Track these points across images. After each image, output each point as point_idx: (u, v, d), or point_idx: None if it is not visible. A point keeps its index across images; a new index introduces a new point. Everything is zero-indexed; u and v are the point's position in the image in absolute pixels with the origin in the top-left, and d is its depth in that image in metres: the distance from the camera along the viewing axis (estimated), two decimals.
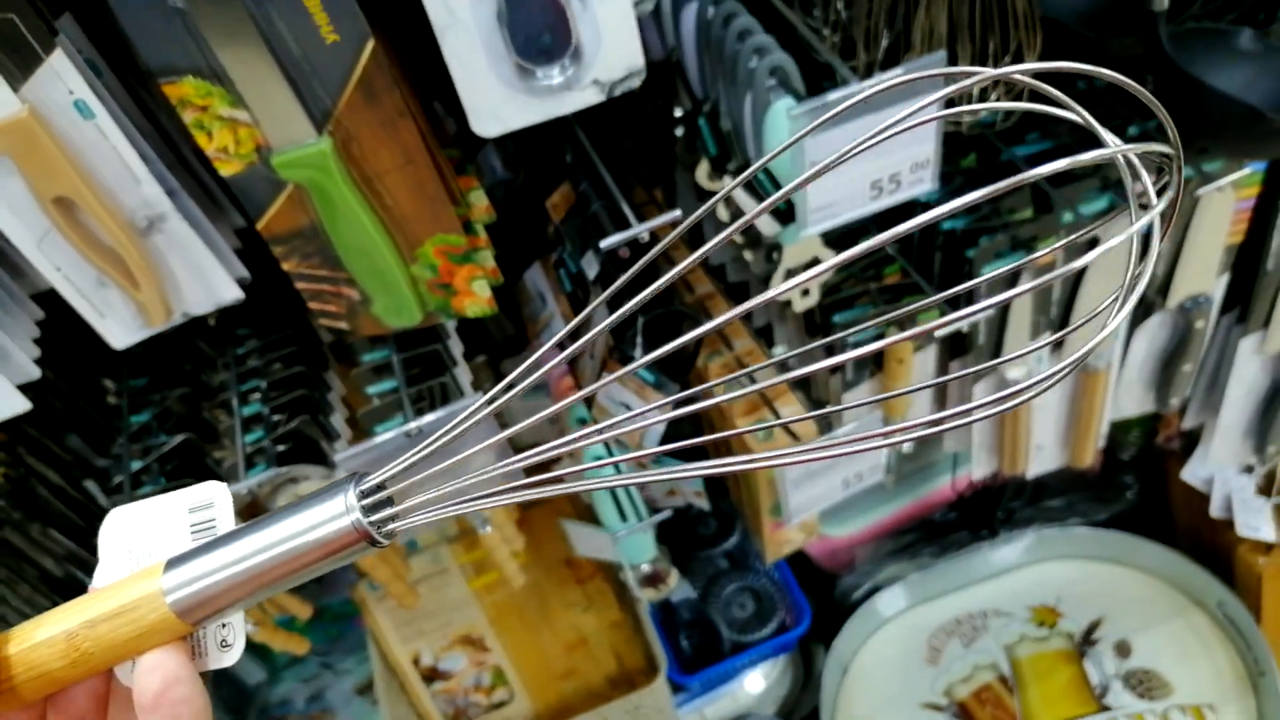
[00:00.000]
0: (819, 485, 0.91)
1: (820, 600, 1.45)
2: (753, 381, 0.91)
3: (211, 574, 0.33)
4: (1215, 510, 1.30)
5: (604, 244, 0.66)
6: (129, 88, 0.65)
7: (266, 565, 0.32)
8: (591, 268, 0.77)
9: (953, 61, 0.75)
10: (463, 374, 0.84)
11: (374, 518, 0.32)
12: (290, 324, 0.84)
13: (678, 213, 0.67)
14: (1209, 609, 1.37)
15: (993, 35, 0.75)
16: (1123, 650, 1.36)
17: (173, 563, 0.33)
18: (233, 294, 0.69)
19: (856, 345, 0.92)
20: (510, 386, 0.34)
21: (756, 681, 1.40)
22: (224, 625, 0.35)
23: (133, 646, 0.33)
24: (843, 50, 0.79)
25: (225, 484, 0.36)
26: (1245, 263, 1.01)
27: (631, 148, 0.85)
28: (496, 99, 0.63)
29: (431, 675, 1.25)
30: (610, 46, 0.63)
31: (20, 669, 0.33)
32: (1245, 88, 0.73)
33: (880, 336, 0.95)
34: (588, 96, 0.65)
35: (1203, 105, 0.71)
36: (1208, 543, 1.39)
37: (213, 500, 0.36)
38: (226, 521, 0.35)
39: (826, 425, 0.95)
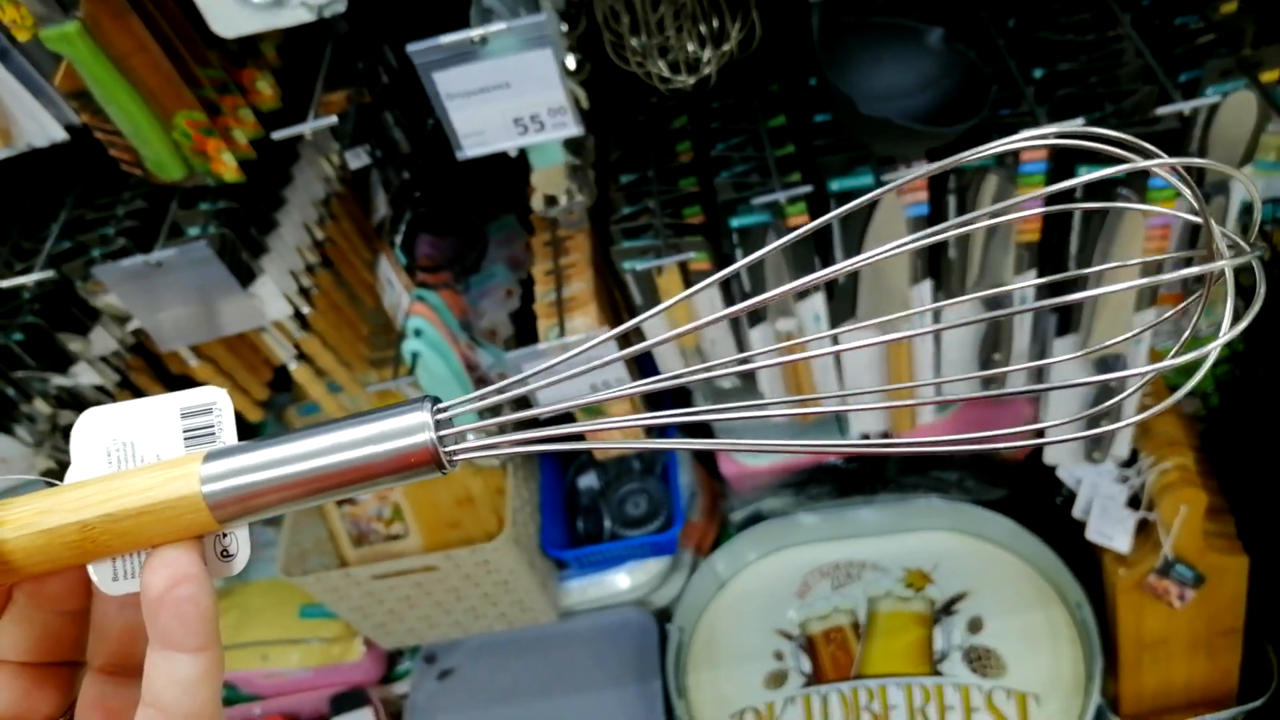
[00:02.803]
0: (567, 388, 1.04)
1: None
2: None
3: (259, 470, 0.32)
4: (1078, 512, 1.31)
5: (277, 135, 0.81)
6: None
7: (324, 469, 0.32)
8: (358, 159, 0.92)
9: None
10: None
11: (448, 447, 0.32)
12: None
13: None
14: (1069, 607, 1.38)
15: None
16: (974, 626, 1.40)
17: (214, 455, 0.32)
18: (59, 134, 0.89)
19: (637, 274, 1.03)
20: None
21: (638, 575, 1.53)
22: (226, 535, 0.33)
23: (152, 541, 0.32)
24: None
25: (225, 392, 0.35)
26: (1053, 262, 1.03)
27: None
28: (227, 8, 0.79)
29: (341, 499, 1.47)
30: None
31: (18, 555, 0.32)
32: (908, 90, 0.78)
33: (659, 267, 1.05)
34: (299, 14, 0.79)
35: (844, 103, 0.77)
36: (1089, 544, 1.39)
37: (212, 405, 0.34)
38: (229, 429, 0.34)
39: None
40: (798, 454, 1.37)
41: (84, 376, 1.06)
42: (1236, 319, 0.31)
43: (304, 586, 1.37)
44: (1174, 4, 1.02)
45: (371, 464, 0.32)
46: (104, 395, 1.07)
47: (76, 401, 1.09)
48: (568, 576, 1.54)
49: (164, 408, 0.34)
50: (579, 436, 1.06)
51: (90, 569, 0.33)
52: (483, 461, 1.26)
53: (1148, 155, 0.32)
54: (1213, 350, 0.32)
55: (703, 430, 1.52)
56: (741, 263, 0.36)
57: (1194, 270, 0.31)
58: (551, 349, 1.06)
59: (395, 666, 1.60)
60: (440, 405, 0.32)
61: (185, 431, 0.34)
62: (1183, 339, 0.35)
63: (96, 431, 0.34)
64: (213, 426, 0.34)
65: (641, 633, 1.49)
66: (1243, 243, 0.32)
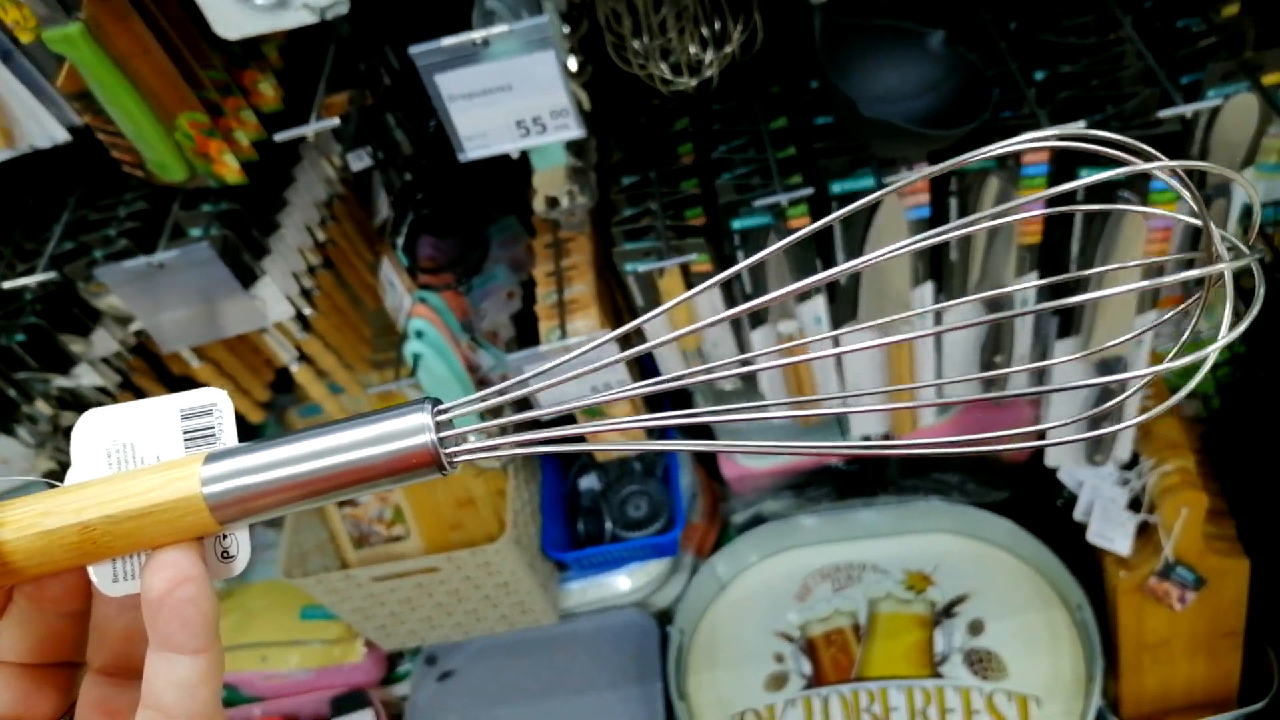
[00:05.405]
0: (569, 389, 1.04)
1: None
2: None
3: (260, 471, 0.32)
4: (1079, 514, 1.31)
5: (279, 137, 0.81)
6: None
7: (325, 471, 0.32)
8: (360, 161, 0.92)
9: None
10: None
11: (449, 449, 0.32)
12: None
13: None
14: (1070, 609, 1.38)
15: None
16: (975, 628, 1.40)
17: (215, 457, 0.32)
18: (62, 135, 0.90)
19: (638, 276, 1.03)
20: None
21: (638, 577, 1.53)
22: (226, 536, 0.33)
23: (153, 542, 0.32)
24: None
25: (225, 393, 0.35)
26: (1054, 264, 1.03)
27: None
28: (229, 9, 0.79)
29: (342, 500, 1.47)
30: None
31: (18, 556, 0.32)
32: (910, 92, 0.78)
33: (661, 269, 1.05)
34: (301, 16, 0.80)
35: (846, 105, 0.77)
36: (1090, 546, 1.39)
37: (212, 406, 0.34)
38: (229, 430, 0.34)
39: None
40: (798, 455, 1.37)
41: (85, 378, 1.06)
42: (1236, 321, 0.32)
43: (305, 588, 1.37)
44: (1175, 6, 1.02)
45: (372, 465, 0.32)
46: (105, 396, 1.07)
47: (78, 402, 1.09)
48: (568, 578, 1.54)
49: (164, 409, 0.34)
50: (580, 438, 1.05)
51: (90, 570, 0.33)
52: (484, 463, 1.26)
53: (1148, 158, 0.32)
54: (1212, 353, 0.32)
55: (703, 432, 1.52)
56: (742, 265, 0.36)
57: (1194, 273, 0.31)
58: (553, 350, 1.06)
59: (396, 668, 1.60)
60: (441, 407, 0.32)
61: (186, 433, 0.34)
62: (1182, 340, 0.35)
63: (97, 432, 0.34)
64: (213, 428, 0.34)
65: (642, 635, 1.49)
66: (1242, 245, 0.33)
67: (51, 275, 0.98)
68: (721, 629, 1.50)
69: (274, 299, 0.99)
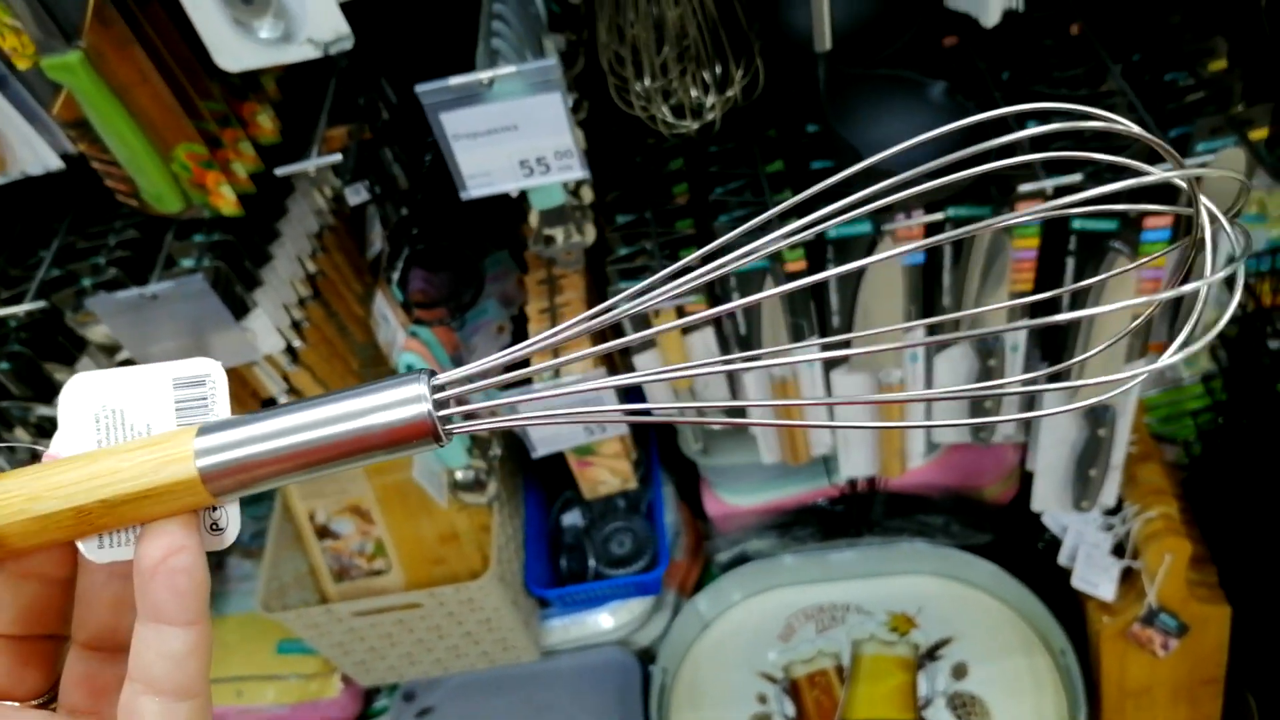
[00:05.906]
0: (560, 430, 1.03)
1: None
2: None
3: (255, 443, 0.31)
4: (1064, 559, 1.31)
5: (279, 171, 0.81)
6: None
7: (321, 442, 0.31)
8: (358, 195, 0.92)
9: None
10: None
11: (443, 414, 0.32)
12: None
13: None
14: (1053, 654, 1.38)
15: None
16: (959, 672, 1.40)
17: (208, 428, 0.32)
18: (55, 162, 0.89)
19: (636, 317, 1.03)
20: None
21: (621, 615, 1.52)
22: (216, 509, 0.32)
23: (147, 518, 0.31)
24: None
25: (219, 364, 0.34)
26: (1046, 312, 1.04)
27: None
28: (232, 42, 0.79)
29: (323, 533, 1.45)
30: (315, 13, 0.77)
31: (13, 539, 0.31)
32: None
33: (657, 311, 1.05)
34: (305, 51, 0.79)
35: (848, 152, 0.78)
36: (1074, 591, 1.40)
37: (205, 376, 0.33)
38: (223, 402, 0.33)
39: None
40: (773, 425, 1.36)
41: None
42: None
43: (284, 622, 1.35)
44: (1164, 60, 1.04)
45: (369, 436, 0.31)
46: None
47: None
48: (550, 615, 1.52)
49: (157, 377, 0.33)
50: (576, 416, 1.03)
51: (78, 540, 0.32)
52: (471, 499, 1.25)
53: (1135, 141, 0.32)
54: (1197, 288, 0.32)
55: (689, 469, 1.51)
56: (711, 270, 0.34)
57: (1177, 246, 0.32)
58: (545, 387, 1.05)
59: (372, 704, 1.58)
60: (436, 379, 0.32)
61: (178, 403, 0.33)
62: (1163, 296, 0.34)
63: (86, 397, 0.33)
64: (206, 399, 0.33)
65: (624, 673, 1.48)
66: (1222, 216, 0.34)
67: (40, 304, 0.96)
68: (704, 668, 1.49)
69: (265, 331, 0.98)
